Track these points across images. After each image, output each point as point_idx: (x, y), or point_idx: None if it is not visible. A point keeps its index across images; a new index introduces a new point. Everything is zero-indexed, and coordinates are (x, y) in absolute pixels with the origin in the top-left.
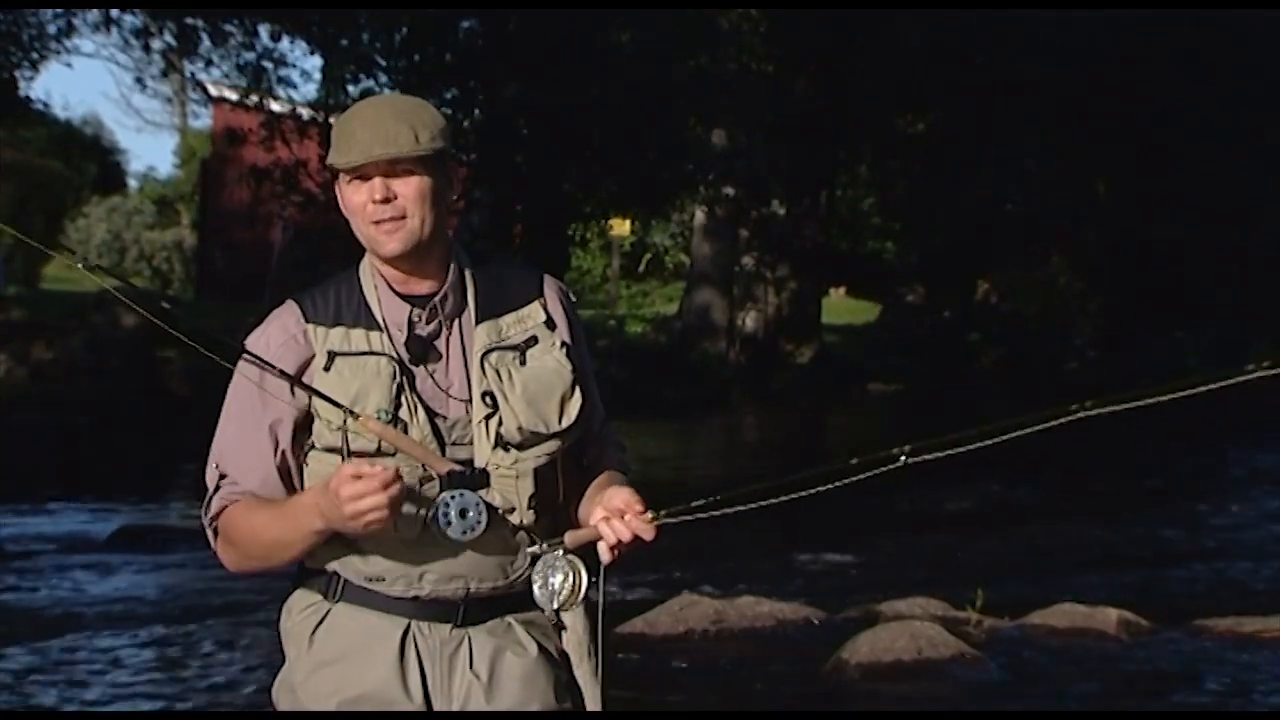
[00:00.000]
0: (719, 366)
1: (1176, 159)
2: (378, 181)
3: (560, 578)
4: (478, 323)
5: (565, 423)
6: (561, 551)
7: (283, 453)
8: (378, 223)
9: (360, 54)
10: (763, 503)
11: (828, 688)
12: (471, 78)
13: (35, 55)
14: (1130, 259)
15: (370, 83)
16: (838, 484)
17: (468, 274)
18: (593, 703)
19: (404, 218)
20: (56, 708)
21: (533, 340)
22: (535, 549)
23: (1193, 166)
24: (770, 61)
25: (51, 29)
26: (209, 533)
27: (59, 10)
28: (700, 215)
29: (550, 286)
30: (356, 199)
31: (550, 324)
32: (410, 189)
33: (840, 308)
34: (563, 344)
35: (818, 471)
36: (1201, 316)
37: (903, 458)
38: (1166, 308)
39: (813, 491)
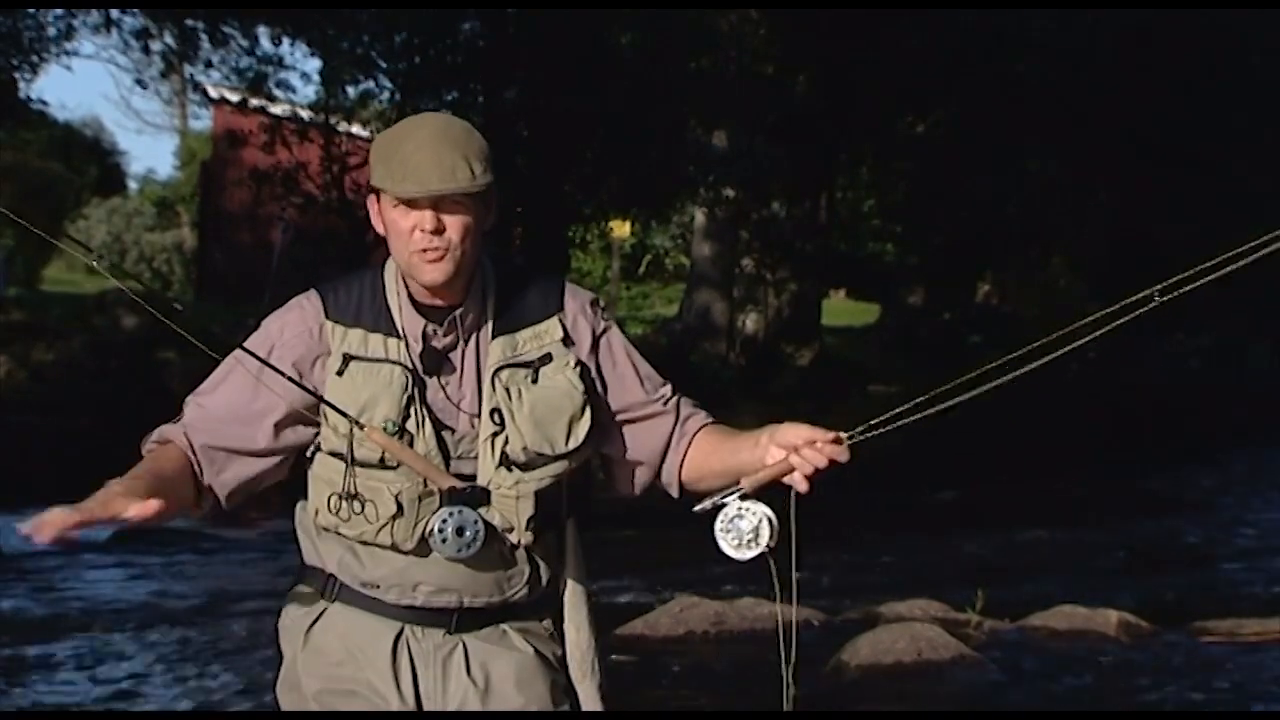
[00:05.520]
0: (719, 368)
1: (1177, 160)
2: (429, 213)
3: (751, 522)
4: (494, 337)
5: (572, 444)
6: (739, 498)
7: (252, 412)
8: (422, 251)
9: (360, 56)
10: (949, 404)
11: (828, 689)
12: (471, 80)
13: (35, 57)
14: (1131, 261)
15: (370, 84)
16: (1048, 360)
17: (490, 287)
18: (593, 704)
19: (448, 249)
20: (56, 708)
21: (547, 358)
22: (710, 503)
23: (1193, 167)
24: (771, 63)
25: (51, 31)
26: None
27: (59, 12)
28: (700, 217)
29: (572, 299)
30: (403, 224)
31: (567, 341)
32: (458, 222)
33: (840, 310)
34: (577, 363)
35: (1029, 349)
36: (1202, 318)
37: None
38: (1168, 309)
39: (999, 383)
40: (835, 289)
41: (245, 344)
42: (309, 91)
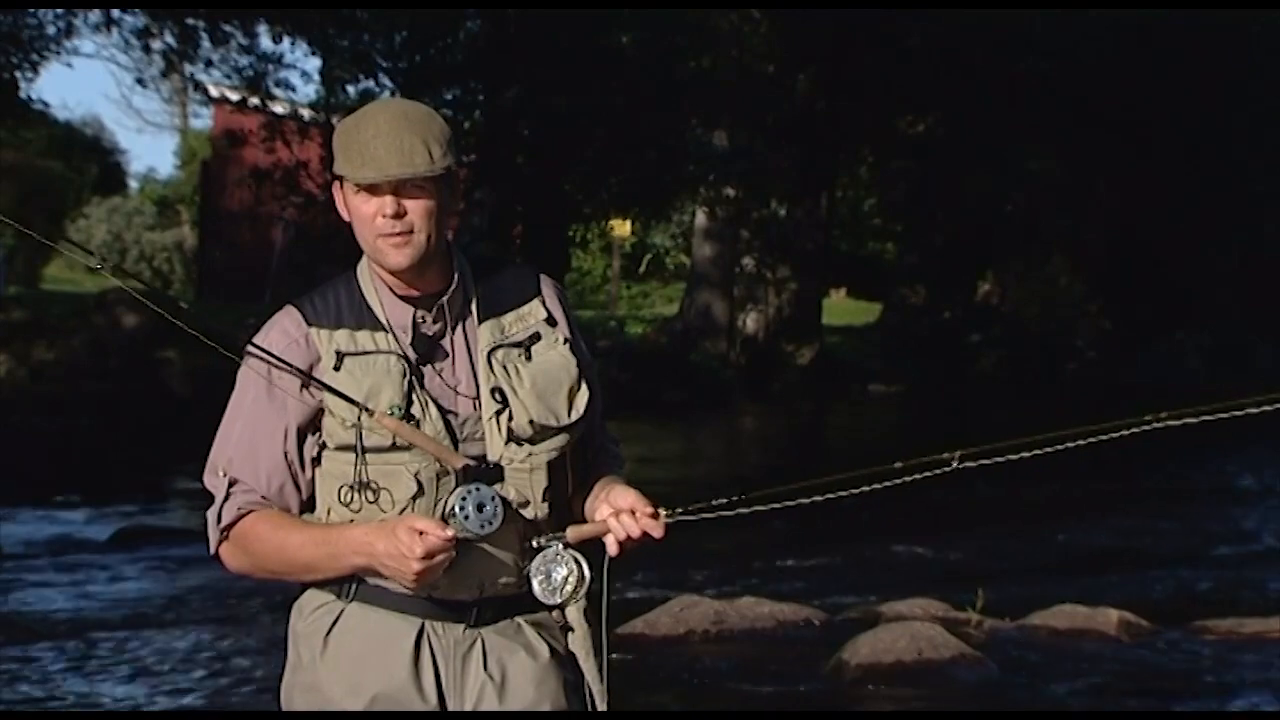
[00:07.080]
0: (720, 367)
1: (1177, 159)
2: (389, 198)
3: (563, 572)
4: (480, 322)
5: (574, 415)
6: (562, 545)
7: (293, 455)
8: (386, 235)
9: (360, 55)
10: (762, 508)
11: (828, 689)
12: (472, 79)
13: (36, 56)
14: (1131, 260)
15: (370, 83)
16: (854, 491)
17: (469, 275)
18: (600, 701)
19: (412, 233)
20: (58, 708)
21: (535, 337)
22: (534, 542)
23: (1194, 167)
24: (771, 62)
25: (52, 29)
26: (214, 535)
27: (59, 11)
28: (701, 216)
29: (547, 284)
30: (365, 209)
31: (551, 320)
32: (420, 206)
33: (841, 309)
34: (565, 339)
35: (835, 479)
36: (1203, 318)
37: (954, 462)
38: (1167, 309)
39: (823, 498)
40: (836, 288)
41: (247, 370)
42: (309, 90)
